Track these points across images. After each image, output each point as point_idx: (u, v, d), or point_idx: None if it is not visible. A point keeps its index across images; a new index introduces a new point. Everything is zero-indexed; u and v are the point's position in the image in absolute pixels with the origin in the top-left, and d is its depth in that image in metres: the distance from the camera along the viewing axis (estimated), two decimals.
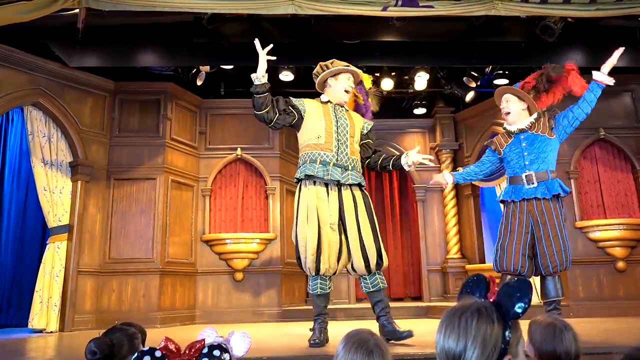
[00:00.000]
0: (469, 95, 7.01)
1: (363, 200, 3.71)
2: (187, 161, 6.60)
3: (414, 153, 3.85)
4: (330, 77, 3.91)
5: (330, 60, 3.93)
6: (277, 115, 3.72)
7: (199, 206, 6.64)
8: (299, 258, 3.67)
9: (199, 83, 6.51)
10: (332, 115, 3.78)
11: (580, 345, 1.68)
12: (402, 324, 3.63)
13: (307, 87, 6.63)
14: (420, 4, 4.60)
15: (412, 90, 7.23)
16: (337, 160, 3.64)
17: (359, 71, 4.03)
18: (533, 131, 3.72)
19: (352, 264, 3.64)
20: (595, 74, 3.60)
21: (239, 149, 6.77)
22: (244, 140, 6.85)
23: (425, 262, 7.34)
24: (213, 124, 6.93)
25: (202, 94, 6.88)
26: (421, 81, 6.90)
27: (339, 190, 3.65)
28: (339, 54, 5.95)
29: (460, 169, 4.23)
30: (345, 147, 3.71)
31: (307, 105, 3.83)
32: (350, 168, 3.68)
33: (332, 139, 3.68)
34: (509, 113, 3.78)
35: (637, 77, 6.31)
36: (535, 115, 3.76)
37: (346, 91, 3.86)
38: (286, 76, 6.62)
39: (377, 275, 3.63)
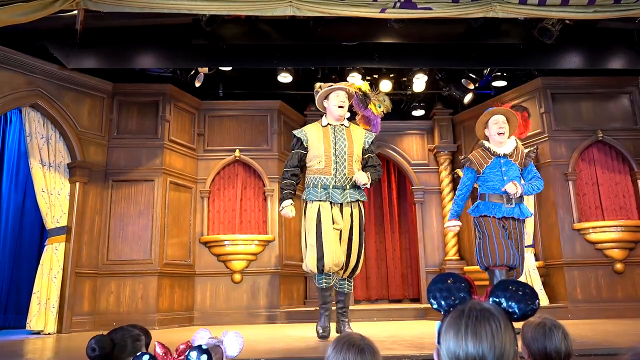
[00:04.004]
0: (467, 97, 7.01)
1: (359, 218, 4.01)
2: (185, 163, 6.59)
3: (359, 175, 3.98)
4: (324, 99, 4.18)
5: (318, 84, 4.21)
6: (302, 169, 4.18)
7: (198, 208, 6.63)
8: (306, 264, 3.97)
9: (197, 85, 6.52)
10: (331, 138, 4.04)
11: (571, 344, 1.69)
12: (400, 326, 3.65)
13: (305, 89, 6.65)
14: (419, 6, 4.59)
15: (410, 92, 7.23)
16: (335, 182, 3.94)
17: (347, 84, 4.26)
18: (512, 159, 3.98)
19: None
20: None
21: (237, 150, 6.77)
22: (243, 141, 6.86)
23: (424, 264, 7.33)
24: (211, 126, 6.93)
25: (201, 95, 6.87)
26: (419, 83, 6.90)
27: (341, 206, 3.95)
28: (338, 55, 5.98)
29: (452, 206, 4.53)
30: (343, 167, 3.98)
31: (308, 133, 4.10)
32: (348, 187, 3.97)
33: (331, 162, 3.97)
34: (503, 134, 4.00)
35: (635, 79, 6.33)
36: (514, 144, 4.03)
37: (340, 106, 4.08)
38: (285, 77, 6.62)
39: (346, 281, 4.06)
